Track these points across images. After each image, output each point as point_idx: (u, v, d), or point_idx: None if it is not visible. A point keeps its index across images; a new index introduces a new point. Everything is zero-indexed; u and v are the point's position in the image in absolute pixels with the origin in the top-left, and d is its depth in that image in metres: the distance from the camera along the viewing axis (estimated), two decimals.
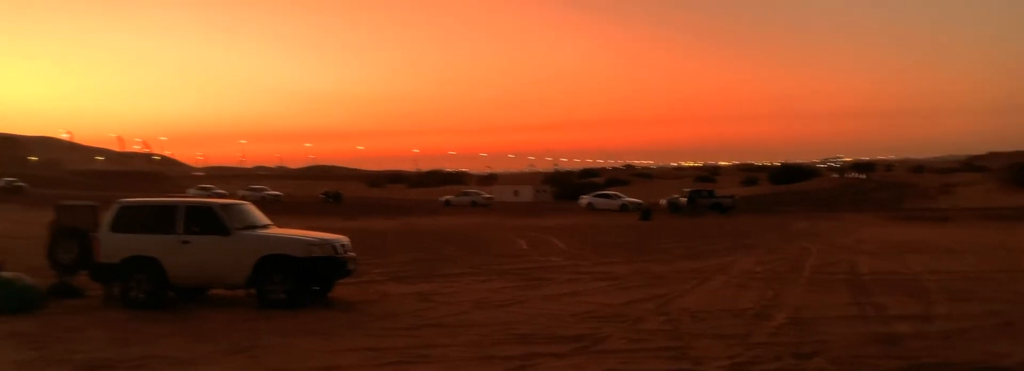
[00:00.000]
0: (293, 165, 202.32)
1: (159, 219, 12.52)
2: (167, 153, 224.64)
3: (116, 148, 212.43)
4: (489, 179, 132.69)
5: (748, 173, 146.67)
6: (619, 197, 58.97)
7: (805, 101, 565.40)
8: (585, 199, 59.46)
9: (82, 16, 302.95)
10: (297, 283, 11.93)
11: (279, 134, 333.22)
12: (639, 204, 54.15)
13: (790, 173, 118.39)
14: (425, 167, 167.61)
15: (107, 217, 12.69)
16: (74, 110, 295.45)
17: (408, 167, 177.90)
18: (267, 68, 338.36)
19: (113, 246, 12.35)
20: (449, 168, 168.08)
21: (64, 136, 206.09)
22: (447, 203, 63.61)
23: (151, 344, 9.08)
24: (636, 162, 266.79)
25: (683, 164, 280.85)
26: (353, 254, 13.01)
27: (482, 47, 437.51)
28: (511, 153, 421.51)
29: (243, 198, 53.74)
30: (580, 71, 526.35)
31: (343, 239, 12.98)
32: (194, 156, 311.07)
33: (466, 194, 67.42)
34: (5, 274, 12.11)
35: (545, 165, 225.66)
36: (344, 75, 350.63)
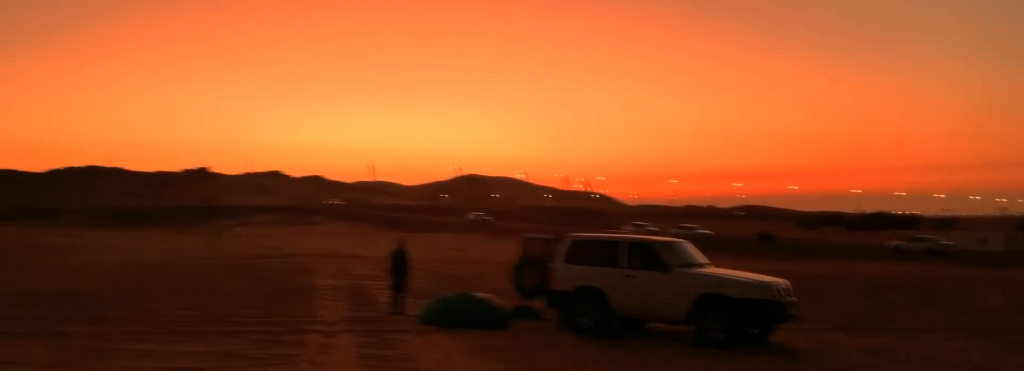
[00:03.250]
0: (723, 204, 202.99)
1: (605, 253, 13.37)
2: (605, 191, 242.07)
3: (561, 187, 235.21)
4: (947, 223, 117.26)
5: None
6: None
7: None
8: None
9: (539, 74, 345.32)
10: (735, 324, 11.74)
11: (709, 173, 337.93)
12: None
13: None
14: (868, 208, 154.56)
15: (561, 249, 13.94)
16: (528, 154, 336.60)
17: (847, 208, 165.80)
18: (696, 109, 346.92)
19: (565, 275, 13.54)
20: (896, 210, 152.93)
21: (520, 177, 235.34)
22: (897, 249, 57.64)
23: (604, 368, 9.65)
24: None
25: None
26: (794, 299, 12.41)
27: (929, 71, 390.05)
28: (975, 194, 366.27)
29: (675, 236, 55.13)
30: None
31: (783, 282, 12.46)
32: (629, 194, 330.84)
33: (920, 240, 60.40)
34: (480, 295, 14.08)
35: (1020, 208, 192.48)
36: (773, 112, 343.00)
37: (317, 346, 10.77)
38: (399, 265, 15.13)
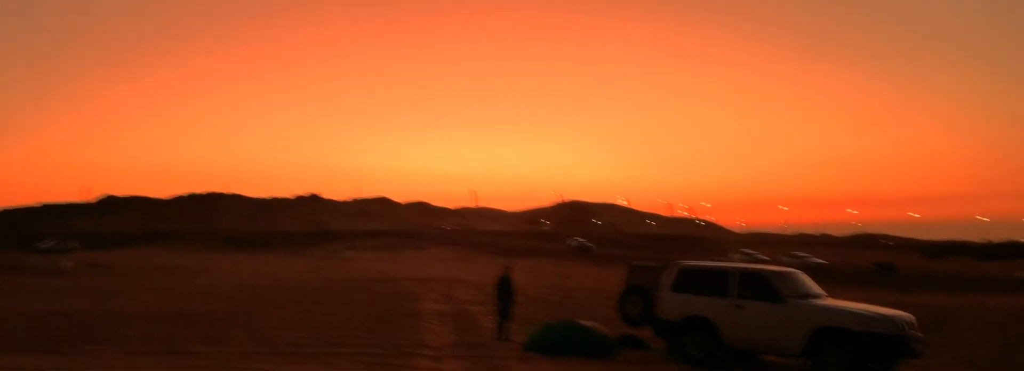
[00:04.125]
0: (837, 232, 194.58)
1: (714, 282, 13.01)
2: (710, 218, 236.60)
3: (665, 213, 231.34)
4: None
5: None
6: None
7: None
8: None
9: (642, 99, 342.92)
10: (855, 359, 11.14)
11: (821, 199, 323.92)
12: None
13: None
14: (995, 237, 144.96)
15: (668, 277, 13.66)
16: (630, 180, 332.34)
17: (973, 236, 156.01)
18: (807, 133, 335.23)
19: (673, 304, 13.26)
20: None
21: (622, 203, 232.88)
22: None
23: None
24: None
25: None
26: (918, 333, 11.69)
27: None
28: None
29: (786, 265, 53.24)
30: None
31: (906, 315, 11.77)
32: (736, 221, 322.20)
33: None
34: (585, 323, 13.92)
35: None
36: (890, 135, 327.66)
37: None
38: (505, 291, 15.18)
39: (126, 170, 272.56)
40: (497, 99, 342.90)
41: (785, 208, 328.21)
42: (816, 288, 12.92)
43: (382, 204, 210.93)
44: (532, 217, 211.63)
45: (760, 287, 12.38)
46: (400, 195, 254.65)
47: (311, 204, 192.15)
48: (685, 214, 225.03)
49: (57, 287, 29.77)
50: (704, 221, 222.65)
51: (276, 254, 70.05)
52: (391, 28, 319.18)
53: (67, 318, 17.82)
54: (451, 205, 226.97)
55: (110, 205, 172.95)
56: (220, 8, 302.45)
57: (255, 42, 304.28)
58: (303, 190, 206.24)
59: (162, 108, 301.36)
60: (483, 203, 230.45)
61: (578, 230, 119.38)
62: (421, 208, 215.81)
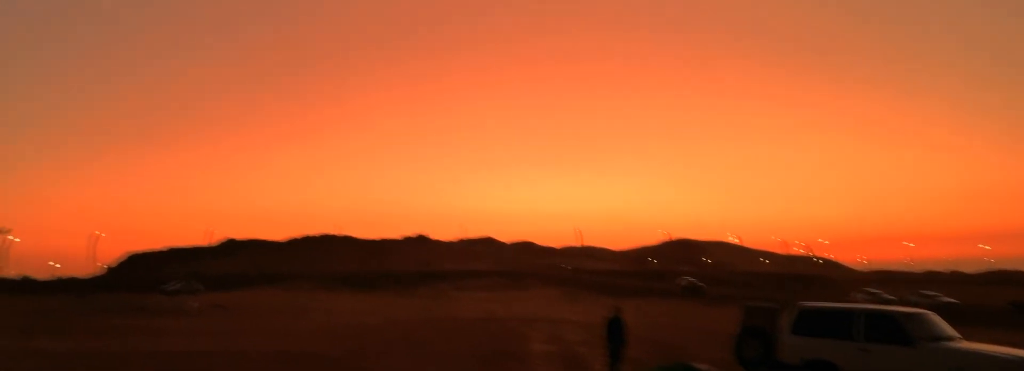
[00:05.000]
0: (968, 269, 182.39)
1: (838, 324, 12.35)
2: (829, 255, 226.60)
3: (779, 251, 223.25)
4: None
5: None
6: None
7: None
8: None
9: (751, 132, 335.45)
10: None
11: (950, 234, 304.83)
12: None
13: None
14: None
15: (787, 319, 13.06)
16: (741, 216, 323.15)
17: None
18: (931, 165, 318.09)
19: (793, 348, 12.63)
20: None
21: (733, 240, 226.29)
22: None
23: None
24: None
25: None
26: None
27: None
28: None
29: (913, 304, 50.21)
30: None
31: None
32: (857, 259, 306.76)
33: None
34: (699, 366, 13.40)
35: None
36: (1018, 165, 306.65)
37: None
38: (615, 332, 14.87)
39: (245, 214, 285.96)
40: (601, 136, 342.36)
41: (911, 244, 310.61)
42: (950, 330, 12.07)
43: (487, 244, 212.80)
44: (639, 256, 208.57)
45: (889, 329, 11.65)
46: (505, 235, 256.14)
47: (418, 245, 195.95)
48: (801, 251, 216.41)
49: (183, 328, 31.21)
50: (822, 259, 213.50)
51: (386, 294, 71.48)
52: (492, 73, 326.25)
53: (194, 358, 18.60)
54: (556, 244, 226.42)
55: (231, 248, 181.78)
56: (330, 60, 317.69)
57: (362, 91, 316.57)
58: (411, 231, 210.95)
59: (278, 155, 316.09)
60: (588, 242, 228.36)
61: (687, 269, 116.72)
62: (526, 248, 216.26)
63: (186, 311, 44.28)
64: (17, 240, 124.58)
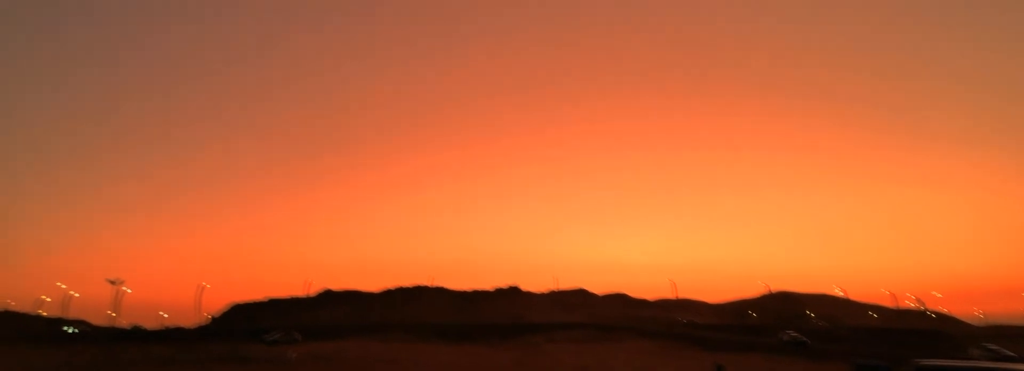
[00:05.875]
0: None
1: None
2: (943, 309, 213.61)
3: (888, 304, 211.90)
4: None
5: None
6: None
7: None
8: None
9: (853, 180, 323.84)
10: None
11: None
12: None
13: None
14: None
15: None
16: (846, 268, 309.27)
17: None
18: None
19: None
20: None
21: (838, 293, 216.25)
22: None
23: None
24: None
25: None
26: None
27: None
28: None
29: None
30: None
31: None
32: (973, 312, 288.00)
33: None
34: None
35: None
36: None
37: None
38: None
39: (342, 265, 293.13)
40: (696, 186, 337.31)
41: None
42: None
43: (580, 296, 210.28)
44: (737, 309, 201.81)
45: None
46: (598, 286, 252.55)
47: (511, 296, 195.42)
48: (913, 305, 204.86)
49: None
50: (935, 312, 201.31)
51: (478, 346, 71.29)
52: (586, 125, 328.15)
53: None
54: (650, 296, 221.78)
55: (328, 298, 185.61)
56: (423, 117, 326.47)
57: (455, 144, 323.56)
58: (503, 282, 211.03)
59: (374, 207, 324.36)
60: (683, 294, 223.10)
61: (790, 323, 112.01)
62: (619, 299, 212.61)
63: (285, 361, 45.25)
64: (129, 291, 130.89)
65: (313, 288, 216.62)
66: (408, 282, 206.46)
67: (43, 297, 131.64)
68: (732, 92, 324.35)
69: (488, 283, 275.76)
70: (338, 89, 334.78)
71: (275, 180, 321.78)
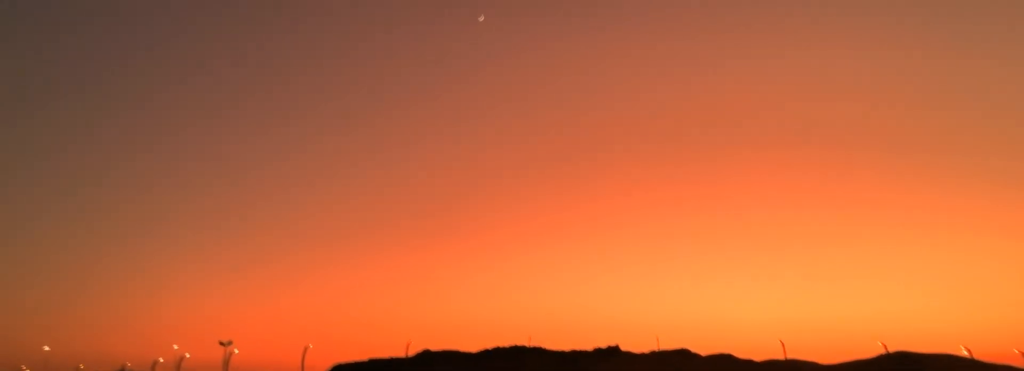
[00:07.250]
0: None
1: None
2: None
3: (1021, 365, 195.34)
4: None
5: None
6: None
7: None
8: None
9: (979, 229, 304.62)
10: None
11: None
12: None
13: None
14: None
15: None
16: (972, 325, 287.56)
17: None
18: None
19: None
20: None
21: (964, 353, 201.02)
22: None
23: None
24: None
25: None
26: None
27: None
28: None
29: None
30: None
31: None
32: None
33: None
34: None
35: None
36: None
37: None
38: None
39: (442, 325, 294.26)
40: (805, 239, 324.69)
41: None
42: None
43: (682, 356, 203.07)
44: None
45: None
46: (701, 346, 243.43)
47: (610, 357, 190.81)
48: None
49: None
50: None
51: None
52: (687, 182, 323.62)
53: None
54: (757, 357, 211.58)
55: (427, 359, 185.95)
56: (520, 179, 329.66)
57: (553, 204, 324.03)
58: (603, 342, 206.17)
59: (473, 266, 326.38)
60: (793, 354, 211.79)
61: None
62: (724, 361, 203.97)
63: None
64: (237, 352, 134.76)
65: (413, 349, 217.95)
66: (506, 342, 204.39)
67: (158, 359, 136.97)
68: (847, 143, 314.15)
69: (588, 343, 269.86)
70: (441, 155, 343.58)
71: (377, 240, 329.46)
